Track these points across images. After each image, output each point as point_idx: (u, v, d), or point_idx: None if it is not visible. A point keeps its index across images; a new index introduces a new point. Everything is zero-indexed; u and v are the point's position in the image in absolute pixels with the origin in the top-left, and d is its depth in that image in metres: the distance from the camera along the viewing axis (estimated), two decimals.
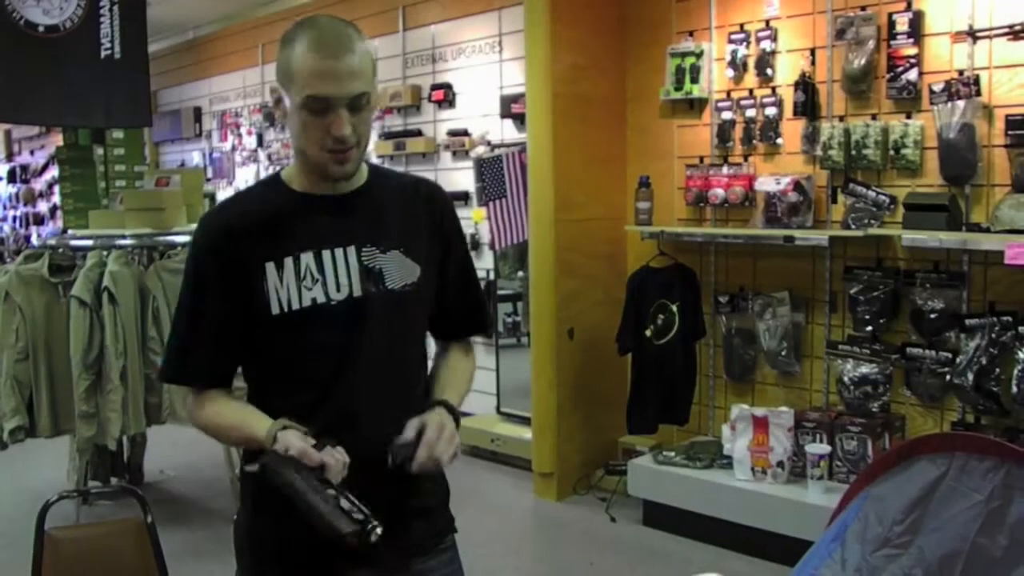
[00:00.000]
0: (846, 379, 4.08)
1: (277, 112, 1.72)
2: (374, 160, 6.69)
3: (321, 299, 1.69)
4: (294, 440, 1.56)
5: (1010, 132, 3.65)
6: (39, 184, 10.75)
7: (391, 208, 1.78)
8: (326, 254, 1.70)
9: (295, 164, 1.76)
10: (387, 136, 6.52)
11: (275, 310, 1.68)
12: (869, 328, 4.05)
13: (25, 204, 11.06)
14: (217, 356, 1.74)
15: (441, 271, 1.82)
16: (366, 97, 1.65)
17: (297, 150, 1.72)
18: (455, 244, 1.86)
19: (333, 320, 1.68)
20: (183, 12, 7.79)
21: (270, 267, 1.69)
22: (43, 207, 10.57)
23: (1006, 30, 3.65)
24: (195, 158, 9.02)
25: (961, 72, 3.77)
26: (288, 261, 1.69)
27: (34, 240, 9.52)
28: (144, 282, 4.41)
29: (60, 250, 4.49)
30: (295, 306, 1.68)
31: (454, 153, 6.13)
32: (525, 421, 5.27)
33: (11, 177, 11.50)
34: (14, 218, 11.35)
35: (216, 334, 1.72)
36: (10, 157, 11.84)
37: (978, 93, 3.69)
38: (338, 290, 1.69)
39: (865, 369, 4.04)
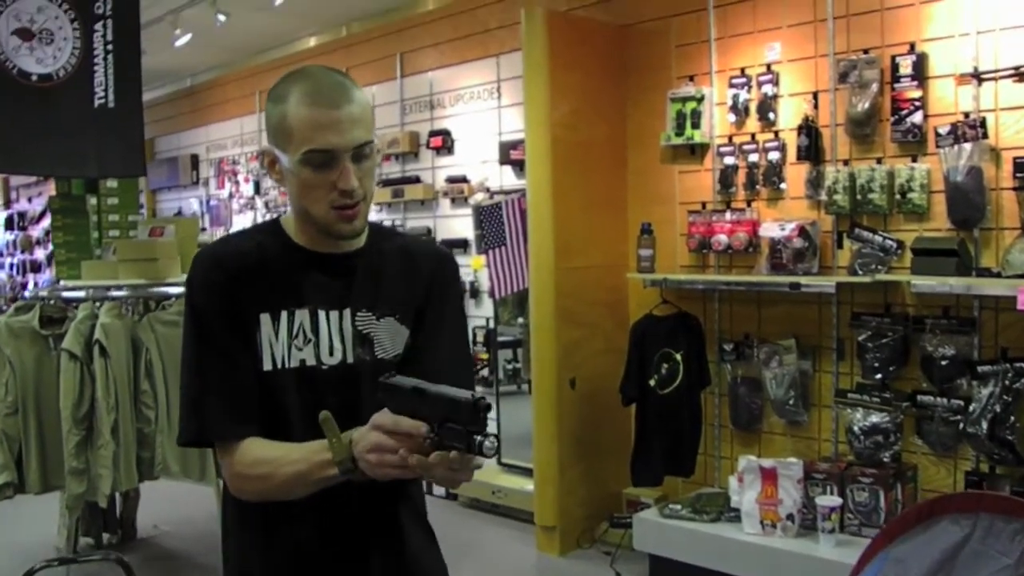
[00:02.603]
0: (856, 428, 3.97)
1: (272, 175, 1.62)
2: (372, 209, 6.63)
3: (311, 361, 1.60)
4: (381, 422, 1.41)
5: (1018, 174, 3.58)
6: (36, 231, 10.69)
7: (390, 271, 1.69)
8: (321, 315, 1.61)
9: (294, 219, 1.65)
10: (385, 183, 6.47)
11: (267, 366, 1.58)
12: (879, 376, 3.95)
13: (22, 251, 11.00)
14: (236, 402, 1.58)
15: (419, 329, 1.69)
16: (370, 146, 1.57)
17: (299, 211, 1.61)
18: (436, 308, 1.72)
19: (324, 385, 1.58)
20: (180, 60, 7.78)
21: (265, 319, 1.59)
22: (40, 254, 10.49)
23: (1011, 72, 3.60)
24: (192, 205, 8.97)
25: (967, 114, 3.71)
26: (283, 315, 1.60)
27: (30, 288, 9.45)
28: (137, 334, 4.32)
29: (51, 301, 4.41)
30: (288, 365, 1.59)
31: (453, 200, 6.07)
32: (527, 472, 5.15)
33: (8, 224, 11.45)
34: (11, 265, 11.28)
35: (230, 377, 1.58)
36: (8, 204, 11.80)
37: (985, 135, 3.63)
38: (331, 354, 1.60)
39: (875, 418, 3.94)
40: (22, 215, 11.21)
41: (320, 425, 1.44)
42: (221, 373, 1.57)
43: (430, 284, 1.71)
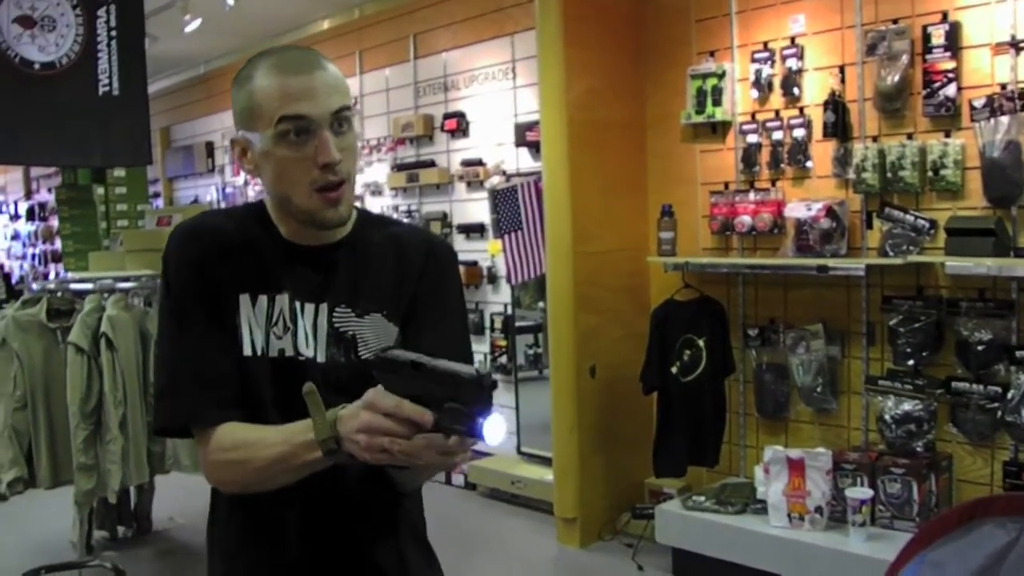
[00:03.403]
0: (887, 417, 3.81)
1: (244, 164, 1.48)
2: (387, 194, 6.51)
3: (290, 352, 1.47)
4: (374, 398, 1.26)
5: None
6: (56, 221, 10.66)
7: (376, 263, 1.53)
8: (298, 305, 1.48)
9: (274, 209, 1.51)
10: (399, 168, 6.34)
11: (247, 351, 1.46)
12: (911, 362, 3.78)
13: (44, 241, 10.98)
14: (215, 386, 1.45)
15: (412, 326, 1.54)
16: (348, 113, 1.43)
17: (278, 199, 1.47)
18: (430, 302, 1.56)
19: (302, 379, 1.39)
20: (193, 47, 7.67)
21: (244, 300, 1.46)
22: (60, 244, 10.48)
23: None
24: (209, 193, 8.89)
25: (1004, 86, 3.52)
26: (263, 299, 1.47)
27: (51, 278, 9.42)
28: (145, 326, 4.22)
29: (59, 294, 4.32)
30: (267, 353, 1.46)
31: (468, 184, 5.93)
32: (547, 462, 5.02)
33: (30, 215, 11.44)
34: (33, 256, 11.27)
35: (208, 360, 1.45)
36: (29, 195, 11.79)
37: None
38: (307, 346, 1.47)
39: (908, 406, 3.77)
40: (42, 205, 11.20)
41: (304, 399, 1.30)
42: (198, 356, 1.45)
43: (421, 276, 1.56)
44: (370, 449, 1.24)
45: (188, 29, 6.35)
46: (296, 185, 1.42)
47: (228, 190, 8.57)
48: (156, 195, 9.42)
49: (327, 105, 1.39)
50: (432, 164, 6.14)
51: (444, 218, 6.07)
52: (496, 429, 1.20)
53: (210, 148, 8.78)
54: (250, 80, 1.42)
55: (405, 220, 6.11)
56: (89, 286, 4.29)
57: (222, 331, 1.46)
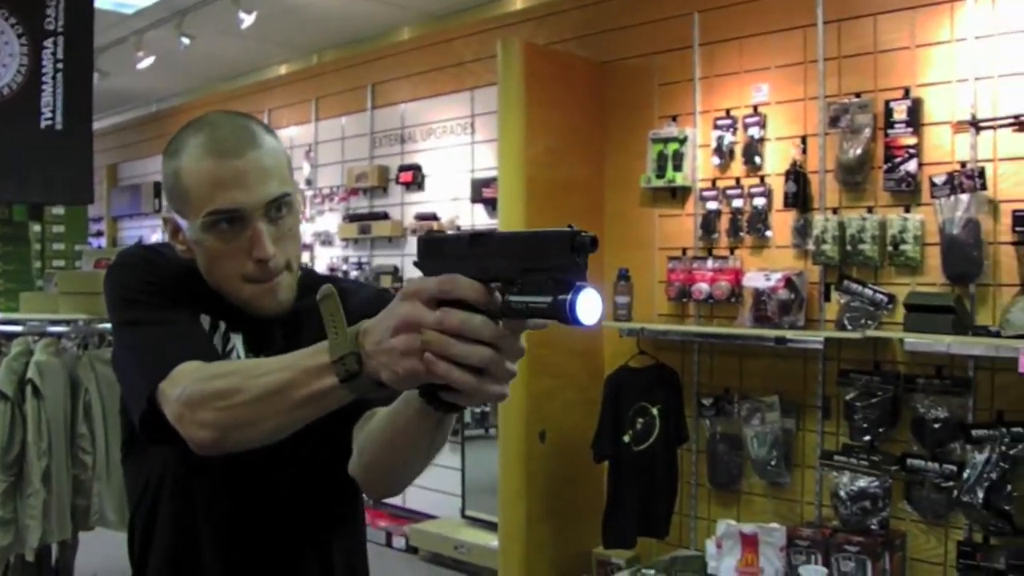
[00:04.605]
0: (842, 493, 3.73)
1: (177, 244, 1.34)
2: (337, 244, 6.38)
3: None
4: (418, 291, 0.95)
5: (1017, 228, 3.40)
6: None
7: (315, 325, 1.41)
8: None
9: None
10: (351, 218, 6.21)
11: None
12: (867, 437, 3.72)
13: None
14: (199, 350, 1.24)
15: None
16: (286, 200, 1.29)
17: (211, 285, 1.34)
18: None
19: None
20: (146, 84, 7.53)
21: (205, 320, 1.34)
22: None
23: (1011, 120, 3.43)
24: (157, 234, 8.66)
25: (964, 164, 3.53)
26: (222, 326, 1.35)
27: None
28: (76, 373, 4.02)
29: None
30: None
31: None
32: (492, 527, 4.86)
33: None
34: None
35: (185, 337, 1.27)
36: None
37: (983, 187, 3.44)
38: None
39: (863, 482, 3.70)
40: None
41: (318, 304, 1.03)
42: (173, 338, 1.26)
43: (362, 317, 1.41)
44: (409, 355, 0.91)
45: (140, 66, 6.21)
46: (228, 278, 1.30)
47: None
48: (99, 234, 9.17)
49: (262, 194, 1.26)
50: (385, 216, 6.03)
51: (395, 272, 5.95)
52: (592, 305, 0.87)
53: (158, 188, 8.57)
54: (177, 157, 1.28)
55: (354, 276, 5.99)
56: (18, 328, 4.08)
57: (199, 324, 1.32)
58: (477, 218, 5.47)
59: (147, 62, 6.16)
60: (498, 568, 4.60)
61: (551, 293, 0.86)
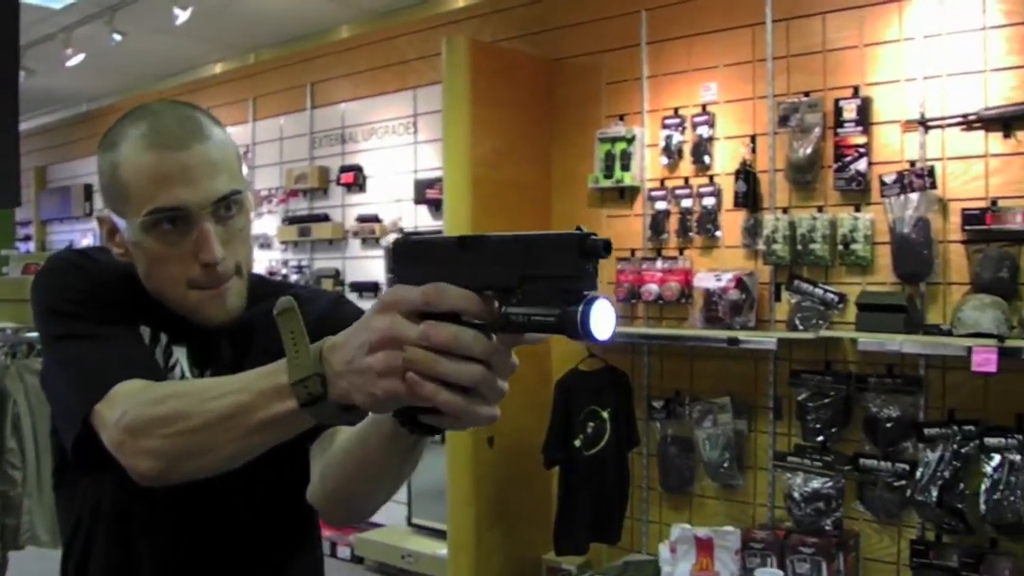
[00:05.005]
0: (796, 494, 3.71)
1: (114, 248, 1.22)
2: (276, 247, 6.22)
3: None
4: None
5: (967, 227, 3.40)
6: None
7: (266, 331, 1.29)
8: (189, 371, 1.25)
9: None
10: (291, 220, 6.06)
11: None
12: (820, 438, 3.70)
13: None
14: (141, 366, 1.12)
15: None
16: (236, 198, 1.18)
17: (152, 292, 1.22)
18: None
19: None
20: (76, 83, 7.28)
21: (145, 332, 1.22)
22: None
23: (959, 119, 3.43)
24: (88, 238, 8.39)
25: (913, 163, 3.52)
26: (163, 338, 1.23)
27: None
28: (3, 384, 3.84)
29: None
30: None
31: (363, 240, 5.69)
32: (440, 535, 4.76)
33: None
34: None
35: (134, 350, 1.16)
36: None
37: (933, 185, 3.44)
38: None
39: (816, 483, 3.68)
40: None
41: (276, 319, 0.92)
42: (110, 353, 1.13)
43: (320, 326, 1.31)
44: (388, 375, 0.80)
45: (70, 64, 5.98)
46: (171, 283, 1.18)
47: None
48: (27, 238, 8.86)
49: (209, 191, 1.15)
50: (326, 218, 5.89)
51: (336, 275, 5.81)
52: (606, 317, 0.77)
53: (88, 191, 8.30)
54: (115, 150, 1.16)
55: (294, 281, 5.84)
56: None
57: (140, 338, 1.20)
58: (421, 219, 5.36)
59: (76, 60, 5.94)
60: None
61: (558, 304, 0.76)
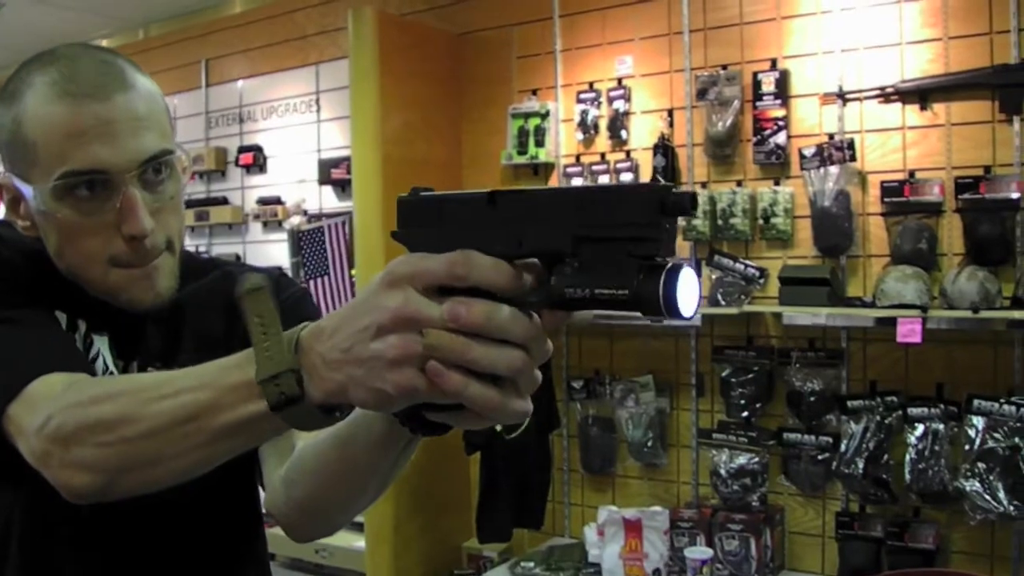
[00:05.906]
0: (722, 471, 3.68)
1: (17, 219, 1.04)
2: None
3: None
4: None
5: (886, 199, 3.41)
6: None
7: (196, 305, 1.14)
8: (111, 362, 1.08)
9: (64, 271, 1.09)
10: (188, 204, 5.77)
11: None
12: (745, 414, 3.68)
13: None
14: (66, 358, 0.96)
15: None
16: (167, 159, 1.02)
17: (65, 271, 1.04)
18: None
19: None
20: None
21: (61, 317, 1.04)
22: None
23: (877, 92, 3.42)
24: None
25: (832, 136, 3.51)
26: (82, 326, 1.06)
27: None
28: None
29: None
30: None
31: (265, 224, 5.45)
32: (357, 527, 4.59)
33: None
34: None
35: (56, 342, 0.99)
36: None
37: (852, 158, 3.43)
38: None
39: (742, 459, 3.67)
40: None
41: (240, 300, 0.75)
42: (20, 343, 0.95)
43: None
44: (403, 364, 0.65)
45: None
46: (89, 261, 1.01)
47: None
48: None
49: (134, 150, 0.98)
50: (224, 201, 5.62)
51: (237, 260, 5.56)
52: (691, 290, 0.64)
53: None
54: (17, 101, 0.98)
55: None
56: None
57: (57, 324, 1.03)
58: (326, 201, 5.16)
59: None
60: (365, 570, 4.36)
61: (631, 275, 0.61)
